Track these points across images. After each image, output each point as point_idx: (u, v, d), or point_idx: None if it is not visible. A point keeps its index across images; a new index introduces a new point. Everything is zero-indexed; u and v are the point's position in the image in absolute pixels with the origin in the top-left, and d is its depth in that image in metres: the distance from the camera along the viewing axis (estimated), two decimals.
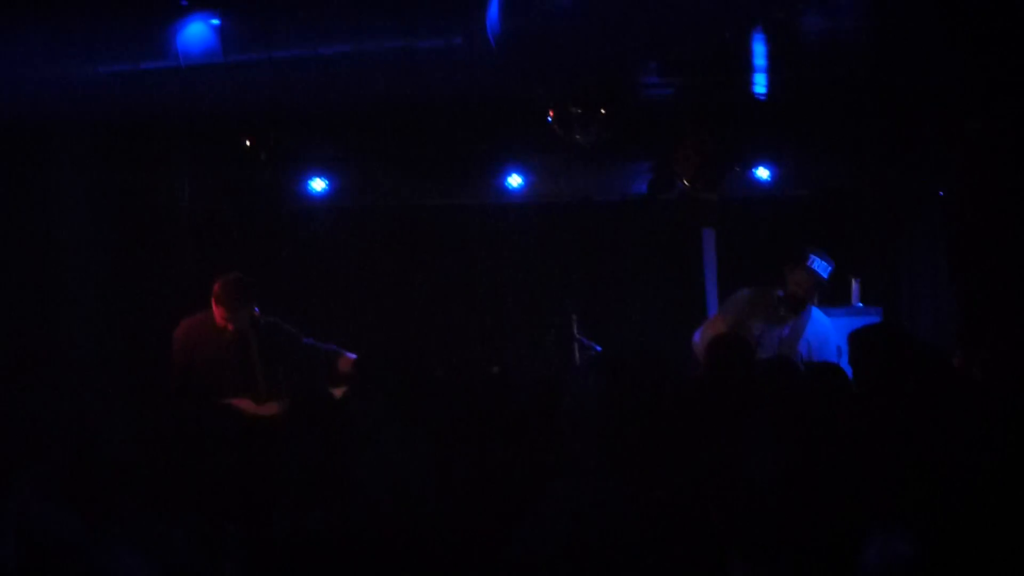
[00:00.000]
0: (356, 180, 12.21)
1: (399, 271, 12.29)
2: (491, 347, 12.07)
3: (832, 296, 10.29)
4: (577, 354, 10.47)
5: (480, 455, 4.96)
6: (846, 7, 8.40)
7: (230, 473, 4.89)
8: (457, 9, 8.20)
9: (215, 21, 8.55)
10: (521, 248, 12.36)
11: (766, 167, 12.05)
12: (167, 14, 8.58)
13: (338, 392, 6.51)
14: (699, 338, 8.97)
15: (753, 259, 11.13)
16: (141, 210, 11.13)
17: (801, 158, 12.17)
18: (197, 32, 8.55)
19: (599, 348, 10.26)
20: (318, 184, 12.06)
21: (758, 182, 12.15)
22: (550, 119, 10.34)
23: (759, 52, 9.48)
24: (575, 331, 10.53)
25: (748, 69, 10.01)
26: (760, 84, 10.64)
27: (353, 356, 8.26)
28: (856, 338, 6.16)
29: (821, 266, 8.86)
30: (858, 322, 8.79)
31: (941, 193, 11.45)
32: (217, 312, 8.47)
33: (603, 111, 10.14)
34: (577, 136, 10.30)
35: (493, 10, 7.84)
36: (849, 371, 6.25)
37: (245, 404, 8.03)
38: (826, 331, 9.00)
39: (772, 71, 10.05)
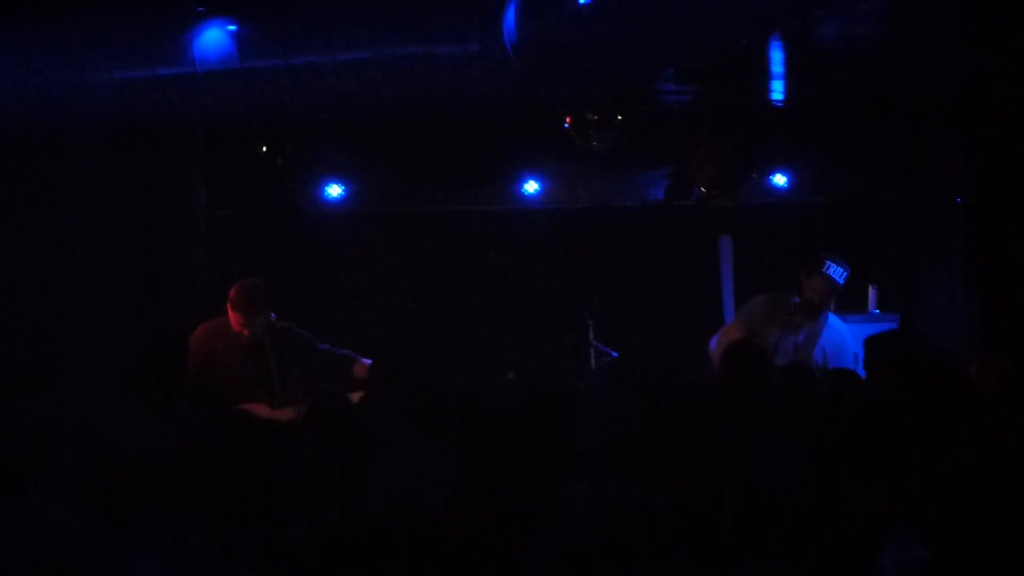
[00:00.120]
0: (372, 186, 12.22)
1: (414, 277, 12.29)
2: (507, 353, 12.06)
3: (849, 303, 10.27)
4: (593, 360, 10.46)
5: (495, 460, 4.95)
6: (863, 15, 8.39)
7: (245, 478, 4.89)
8: (474, 16, 8.20)
9: (232, 27, 8.56)
10: (537, 254, 12.35)
11: (783, 174, 12.04)
12: (184, 20, 8.59)
13: (355, 397, 6.51)
14: (715, 345, 8.96)
15: (770, 266, 11.12)
16: (157, 215, 11.14)
17: (818, 165, 12.15)
18: (214, 38, 8.56)
19: (615, 354, 10.24)
20: (334, 190, 12.07)
21: (775, 189, 12.14)
22: (567, 125, 10.35)
23: (776, 59, 9.48)
24: (591, 337, 10.52)
25: (765, 76, 10.02)
26: (777, 91, 10.65)
27: (368, 362, 8.26)
28: (872, 345, 6.14)
29: (837, 272, 8.84)
30: (875, 329, 8.75)
31: (959, 200, 11.42)
32: (233, 318, 8.47)
33: (619, 117, 10.15)
34: (594, 142, 10.32)
35: (510, 17, 7.84)
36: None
37: (260, 409, 8.05)
38: (842, 338, 8.98)
39: (789, 78, 10.05)
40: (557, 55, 7.92)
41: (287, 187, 11.92)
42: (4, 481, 4.71)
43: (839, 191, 12.30)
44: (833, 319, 9.08)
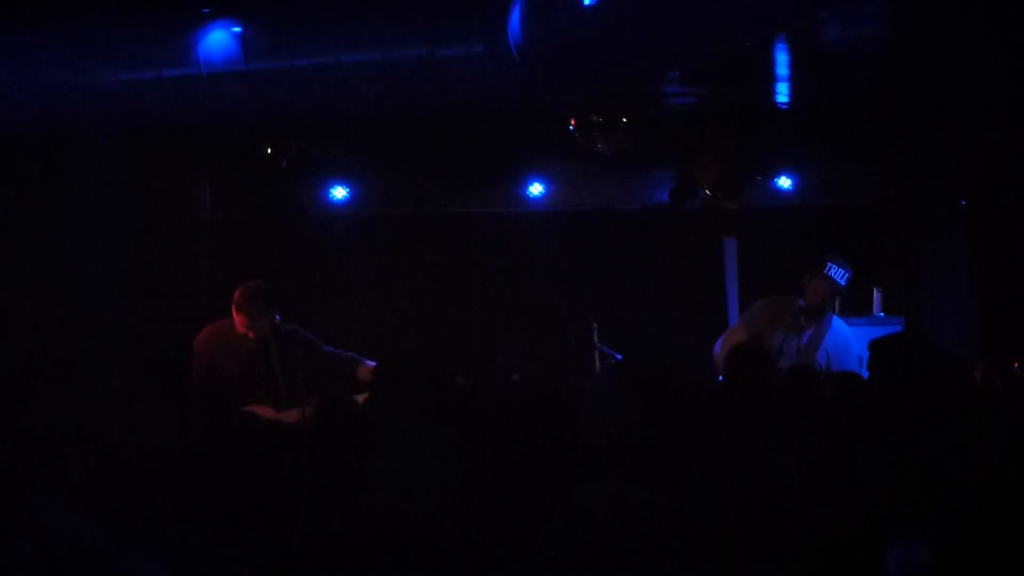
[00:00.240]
0: (377, 188, 12.22)
1: (419, 279, 12.30)
2: (511, 354, 12.07)
3: (854, 305, 10.27)
4: (597, 362, 10.46)
5: (499, 462, 4.96)
6: (868, 16, 8.39)
7: (249, 480, 4.89)
8: (478, 18, 8.20)
9: (237, 29, 8.56)
10: (542, 256, 12.35)
11: (788, 176, 12.03)
12: (189, 22, 8.59)
13: (359, 399, 6.51)
14: (719, 348, 8.97)
15: (775, 268, 11.13)
16: (162, 217, 11.16)
17: (823, 167, 12.14)
18: (219, 40, 8.57)
19: (619, 356, 10.24)
20: (339, 192, 12.07)
21: (780, 191, 12.13)
22: (572, 128, 10.36)
23: (781, 61, 9.49)
24: (595, 339, 10.53)
25: (770, 78, 10.02)
26: (782, 93, 10.65)
27: (373, 364, 8.25)
28: (876, 347, 6.14)
29: (838, 273, 8.85)
30: (879, 331, 8.76)
31: (963, 203, 11.42)
32: (238, 319, 8.47)
33: (624, 120, 10.16)
34: (599, 145, 10.33)
35: (515, 19, 7.84)
36: None
37: (265, 411, 8.04)
38: (846, 340, 8.98)
39: (794, 80, 10.05)
40: (562, 57, 7.92)
41: (291, 189, 11.93)
42: (8, 482, 4.72)
43: (844, 194, 12.28)
44: (837, 321, 9.08)
